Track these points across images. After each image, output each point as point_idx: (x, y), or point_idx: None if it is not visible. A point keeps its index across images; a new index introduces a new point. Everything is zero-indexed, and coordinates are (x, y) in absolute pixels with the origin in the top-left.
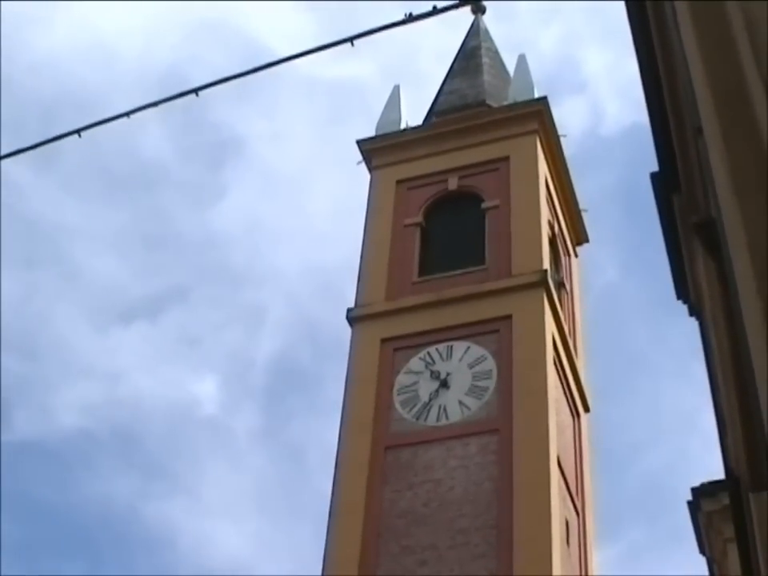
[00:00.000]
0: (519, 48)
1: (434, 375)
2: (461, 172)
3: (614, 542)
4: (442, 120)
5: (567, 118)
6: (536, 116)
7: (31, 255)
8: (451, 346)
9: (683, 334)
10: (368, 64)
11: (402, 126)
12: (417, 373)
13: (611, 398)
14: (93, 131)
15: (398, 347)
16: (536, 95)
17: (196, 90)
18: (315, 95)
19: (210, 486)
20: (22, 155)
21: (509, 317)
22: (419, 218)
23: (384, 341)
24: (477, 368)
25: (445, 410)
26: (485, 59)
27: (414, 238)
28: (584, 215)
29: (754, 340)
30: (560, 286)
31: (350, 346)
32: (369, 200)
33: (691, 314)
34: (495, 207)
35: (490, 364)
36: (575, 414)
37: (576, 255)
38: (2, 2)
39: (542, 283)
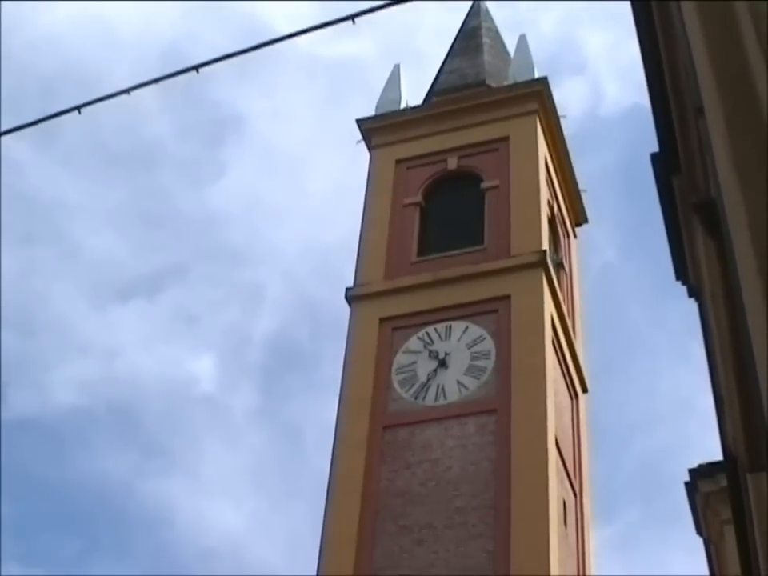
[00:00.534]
0: (520, 28)
1: (433, 355)
2: (460, 152)
3: (611, 523)
4: (442, 100)
5: (567, 98)
6: (536, 96)
7: (30, 232)
8: (450, 326)
9: (681, 315)
10: (368, 43)
11: (402, 105)
12: (415, 352)
13: (609, 378)
14: (92, 108)
15: (397, 327)
16: (536, 76)
17: (197, 67)
18: (315, 74)
19: (207, 464)
20: (21, 132)
21: (507, 297)
22: (418, 198)
23: (383, 320)
24: (475, 348)
25: (443, 389)
26: (485, 39)
27: (414, 218)
28: (583, 196)
29: (754, 319)
30: (559, 266)
31: (349, 326)
32: (368, 179)
33: (690, 295)
34: (495, 187)
35: (488, 344)
36: (573, 395)
37: (575, 236)
38: None
39: (541, 264)
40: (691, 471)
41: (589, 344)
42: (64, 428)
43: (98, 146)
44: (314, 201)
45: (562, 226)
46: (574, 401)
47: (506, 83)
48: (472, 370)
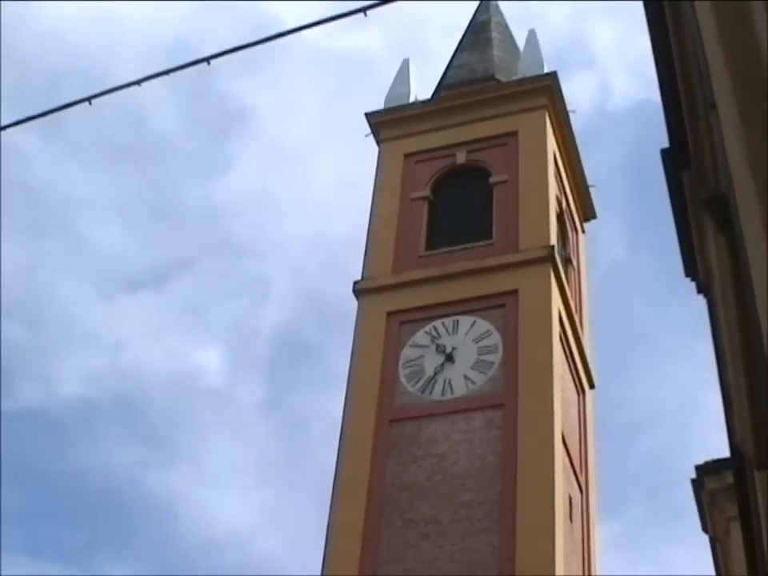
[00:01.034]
0: (529, 23)
1: (440, 349)
2: (469, 146)
3: (617, 519)
4: (451, 94)
5: (576, 93)
6: (545, 91)
7: (37, 224)
8: (457, 320)
9: (688, 312)
10: (377, 37)
11: (411, 99)
12: (422, 347)
13: (615, 375)
14: (101, 100)
15: (404, 321)
16: (545, 70)
17: (207, 59)
18: (323, 68)
19: (213, 456)
20: (29, 124)
21: (515, 292)
22: (427, 192)
23: (390, 314)
24: (482, 342)
25: (450, 384)
26: (494, 33)
27: (422, 212)
28: (591, 191)
29: (765, 315)
30: (567, 261)
31: (356, 319)
32: (376, 173)
33: (699, 292)
34: (503, 182)
35: (495, 339)
36: (580, 391)
37: (583, 231)
38: None
39: (549, 259)
40: (697, 468)
41: (596, 340)
42: (70, 420)
43: (105, 138)
44: (322, 194)
45: (570, 222)
46: (581, 396)
47: (515, 78)
48: (479, 365)
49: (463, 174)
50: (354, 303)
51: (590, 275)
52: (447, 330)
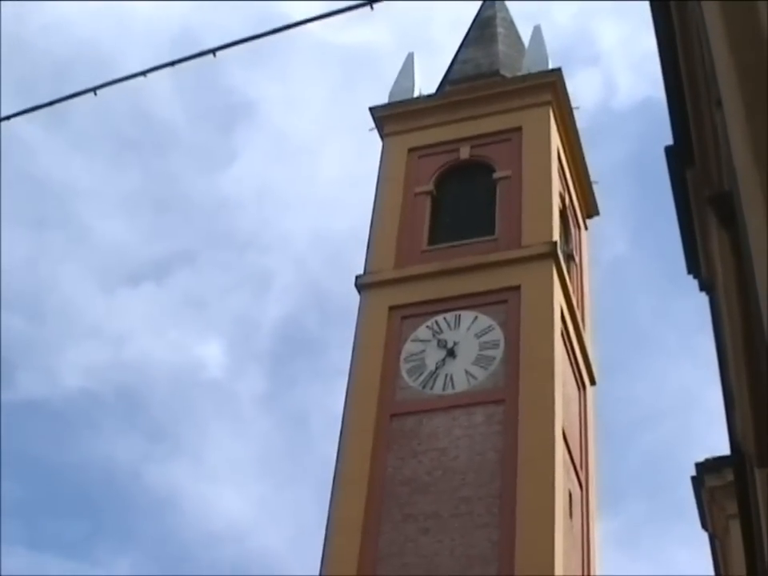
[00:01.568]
0: (534, 19)
1: (441, 344)
2: (473, 141)
3: (616, 516)
4: (456, 89)
5: (580, 90)
6: (550, 87)
7: (40, 215)
8: (459, 316)
9: (689, 309)
10: (382, 31)
11: (416, 93)
12: (424, 341)
13: (616, 371)
14: (106, 91)
15: (406, 315)
16: (550, 67)
17: (213, 51)
18: (328, 61)
19: (214, 449)
20: (34, 114)
21: (517, 287)
22: (430, 187)
23: (392, 308)
24: (484, 338)
25: (451, 379)
26: (500, 29)
27: (425, 207)
28: (595, 188)
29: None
30: (569, 258)
31: (358, 313)
32: (380, 167)
33: (702, 289)
34: (507, 178)
35: (497, 334)
36: (581, 387)
37: (586, 228)
38: None
39: (552, 255)
40: (698, 465)
41: (597, 336)
42: (71, 412)
43: (109, 130)
44: (325, 188)
45: (573, 218)
46: (582, 393)
47: (519, 74)
48: (480, 360)
49: (467, 170)
50: (356, 297)
51: (593, 272)
52: (449, 325)
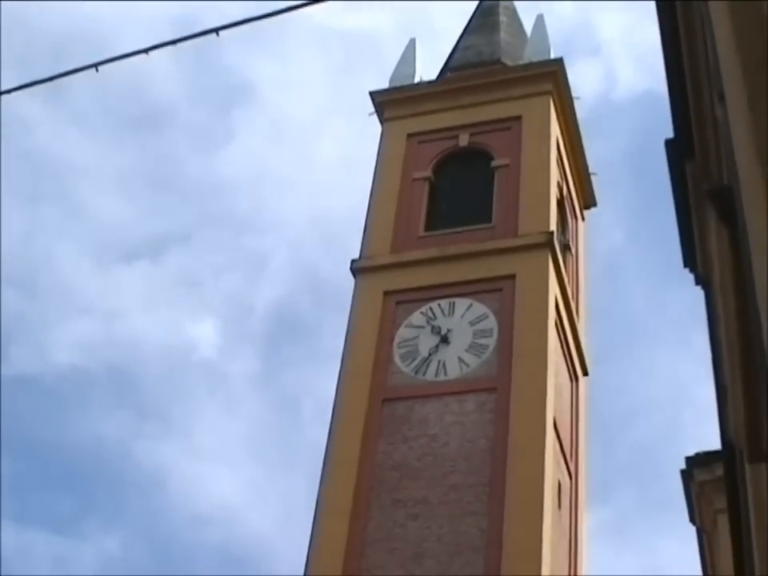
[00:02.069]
0: (537, 8)
1: (435, 330)
2: (472, 129)
3: (605, 506)
4: (456, 76)
5: (581, 81)
6: (551, 77)
7: (36, 191)
8: (453, 303)
9: (683, 302)
10: (384, 16)
11: (416, 79)
12: (418, 327)
13: (609, 363)
14: (106, 68)
15: (401, 301)
16: (552, 56)
17: (216, 30)
18: (329, 45)
19: (204, 429)
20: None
21: (512, 276)
22: (428, 173)
23: (387, 293)
24: (478, 326)
25: (444, 365)
26: (502, 17)
27: (422, 193)
28: (593, 179)
29: (765, 307)
30: (565, 248)
31: (353, 298)
32: (379, 152)
33: (697, 283)
34: (505, 166)
35: (491, 322)
36: (573, 377)
37: (583, 218)
38: None
39: (548, 245)
40: (688, 459)
41: (591, 327)
42: (63, 388)
43: (108, 107)
44: (323, 171)
45: (571, 208)
46: (574, 383)
47: (521, 62)
48: (474, 348)
49: (465, 157)
50: (350, 281)
51: (589, 263)
52: (443, 311)
